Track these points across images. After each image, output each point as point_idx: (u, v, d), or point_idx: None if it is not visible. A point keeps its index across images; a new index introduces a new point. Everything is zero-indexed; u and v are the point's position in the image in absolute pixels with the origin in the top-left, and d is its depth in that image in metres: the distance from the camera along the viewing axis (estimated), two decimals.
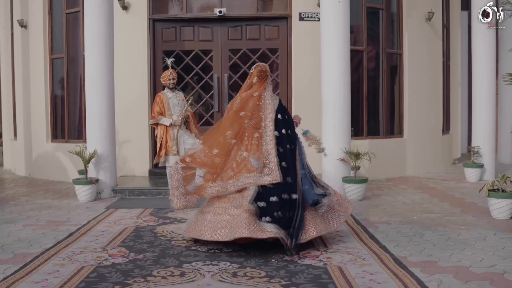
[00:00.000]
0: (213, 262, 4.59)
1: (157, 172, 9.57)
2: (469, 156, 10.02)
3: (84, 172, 8.26)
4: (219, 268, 4.41)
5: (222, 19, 9.76)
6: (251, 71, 5.41)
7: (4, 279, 4.19)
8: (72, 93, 10.43)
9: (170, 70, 8.10)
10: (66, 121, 10.41)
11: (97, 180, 8.11)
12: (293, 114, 5.72)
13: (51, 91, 10.58)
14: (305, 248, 4.99)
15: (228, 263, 4.55)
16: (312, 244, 5.16)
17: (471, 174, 9.70)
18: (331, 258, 4.72)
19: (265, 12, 9.82)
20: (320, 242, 5.27)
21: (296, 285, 3.98)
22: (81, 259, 4.74)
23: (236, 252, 4.89)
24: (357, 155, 7.96)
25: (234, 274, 4.25)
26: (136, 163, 9.70)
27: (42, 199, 8.18)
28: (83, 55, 9.62)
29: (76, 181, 8.02)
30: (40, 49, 10.50)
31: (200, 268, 4.42)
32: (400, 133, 10.56)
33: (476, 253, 4.86)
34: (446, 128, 12.07)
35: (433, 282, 4.03)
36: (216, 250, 4.98)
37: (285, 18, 9.72)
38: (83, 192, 7.89)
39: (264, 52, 9.82)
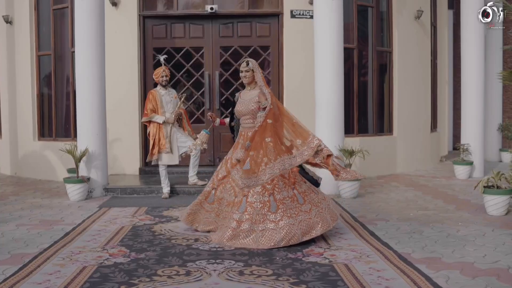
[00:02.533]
0: (217, 261, 4.53)
1: (148, 170, 9.47)
2: (455, 153, 10.13)
3: (73, 170, 8.14)
4: (225, 267, 4.36)
5: (213, 16, 9.68)
6: (257, 67, 5.47)
7: (5, 280, 4.08)
8: (59, 90, 10.25)
9: (163, 67, 8.01)
10: (54, 119, 10.22)
11: (88, 179, 7.98)
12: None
13: (38, 89, 10.38)
14: (307, 245, 4.98)
15: (233, 262, 4.50)
16: (313, 242, 5.14)
17: (460, 171, 9.78)
18: (335, 255, 4.70)
19: (256, 9, 9.75)
20: (321, 239, 5.25)
21: (305, 283, 3.95)
22: (81, 259, 4.65)
23: (238, 250, 4.85)
24: (351, 153, 7.96)
25: (241, 273, 4.20)
26: (126, 162, 9.58)
27: (32, 198, 8.02)
28: (72, 52, 9.52)
29: (67, 180, 7.88)
30: (26, 45, 10.30)
31: (205, 267, 4.36)
32: (390, 131, 10.61)
33: (478, 249, 4.88)
34: (433, 126, 12.16)
35: (441, 278, 4.03)
36: (219, 249, 4.93)
37: (277, 16, 9.68)
38: (74, 191, 7.75)
39: (256, 49, 9.76)
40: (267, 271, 4.22)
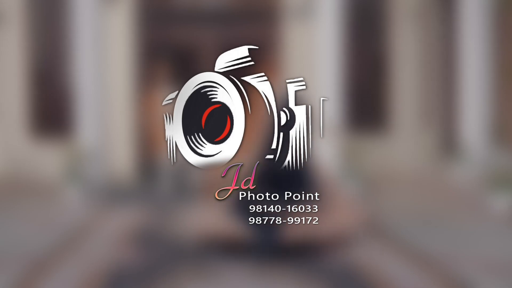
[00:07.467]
0: (233, 261, 4.40)
1: (151, 171, 9.33)
2: (459, 151, 10.07)
3: (72, 170, 7.99)
4: (243, 267, 4.23)
5: (214, 15, 9.56)
6: None
7: (8, 286, 3.94)
8: (55, 87, 10.07)
9: (165, 66, 7.93)
10: (50, 116, 10.04)
11: (88, 179, 7.87)
12: None
13: (32, 86, 10.20)
14: None
15: (251, 261, 4.37)
16: None
17: (464, 169, 9.72)
18: None
19: (263, 9, 9.62)
20: None
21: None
22: (88, 262, 4.51)
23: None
24: None
25: (262, 272, 4.08)
26: (128, 162, 9.43)
27: (28, 198, 7.84)
28: (69, 49, 9.37)
29: (66, 180, 7.75)
30: (18, 41, 10.11)
31: (221, 268, 4.23)
32: (391, 129, 10.56)
33: (495, 247, 4.79)
34: (435, 123, 12.13)
35: (459, 275, 3.93)
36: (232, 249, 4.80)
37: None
38: (73, 191, 7.62)
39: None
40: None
